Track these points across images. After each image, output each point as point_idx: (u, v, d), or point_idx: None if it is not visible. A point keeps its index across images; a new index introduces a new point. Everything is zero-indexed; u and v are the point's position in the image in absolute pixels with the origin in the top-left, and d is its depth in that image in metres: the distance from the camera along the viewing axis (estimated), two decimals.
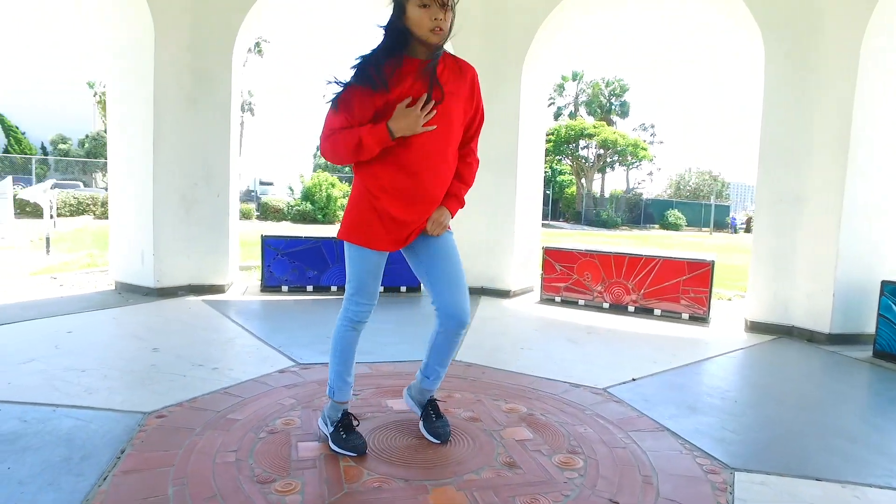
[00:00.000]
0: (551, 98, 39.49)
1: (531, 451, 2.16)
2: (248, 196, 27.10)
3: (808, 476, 2.07)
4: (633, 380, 3.12)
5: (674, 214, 33.47)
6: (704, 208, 35.76)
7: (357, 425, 2.12)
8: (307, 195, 21.83)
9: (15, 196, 11.75)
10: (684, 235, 26.41)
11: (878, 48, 4.03)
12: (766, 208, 4.51)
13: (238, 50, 5.11)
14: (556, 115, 39.41)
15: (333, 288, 5.39)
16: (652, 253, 5.20)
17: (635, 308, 5.04)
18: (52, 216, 8.77)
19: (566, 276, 5.35)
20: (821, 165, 4.24)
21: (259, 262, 5.45)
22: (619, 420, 2.52)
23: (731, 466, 2.11)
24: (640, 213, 35.64)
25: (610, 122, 37.91)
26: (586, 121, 36.05)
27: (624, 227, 31.68)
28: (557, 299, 5.38)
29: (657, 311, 4.95)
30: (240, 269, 6.16)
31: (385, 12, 1.93)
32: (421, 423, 2.25)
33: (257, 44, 30.41)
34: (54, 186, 9.77)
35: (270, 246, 5.31)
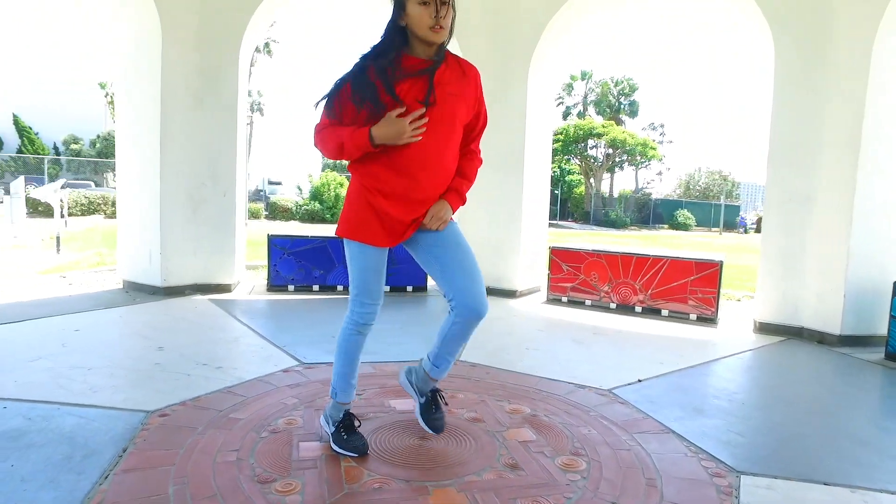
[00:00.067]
0: (560, 97, 39.38)
1: (534, 452, 2.14)
2: (256, 196, 27.23)
3: (816, 480, 2.04)
4: (639, 381, 3.09)
5: (683, 214, 33.24)
6: (714, 208, 35.47)
7: (359, 426, 2.11)
8: (316, 195, 21.90)
9: (27, 196, 11.89)
10: (694, 235, 26.21)
11: (893, 46, 3.96)
12: (775, 207, 4.46)
13: (245, 49, 5.12)
14: (565, 115, 39.26)
15: (339, 287, 5.39)
16: (660, 253, 5.15)
17: (642, 308, 5.00)
18: (62, 215, 8.85)
19: (573, 277, 5.32)
20: (831, 164, 4.18)
21: (266, 262, 5.47)
22: (624, 422, 2.49)
23: (737, 470, 2.08)
24: (650, 213, 35.42)
25: (619, 122, 37.70)
26: (595, 120, 35.89)
27: (633, 228, 31.50)
28: (564, 299, 5.35)
29: (665, 312, 4.90)
30: (247, 269, 6.18)
31: (388, 11, 1.92)
32: (419, 411, 2.17)
33: (266, 44, 30.56)
34: (65, 186, 9.86)
35: (277, 245, 5.32)
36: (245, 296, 5.03)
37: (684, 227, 32.08)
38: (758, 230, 28.53)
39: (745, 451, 2.26)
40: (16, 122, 30.27)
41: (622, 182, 43.05)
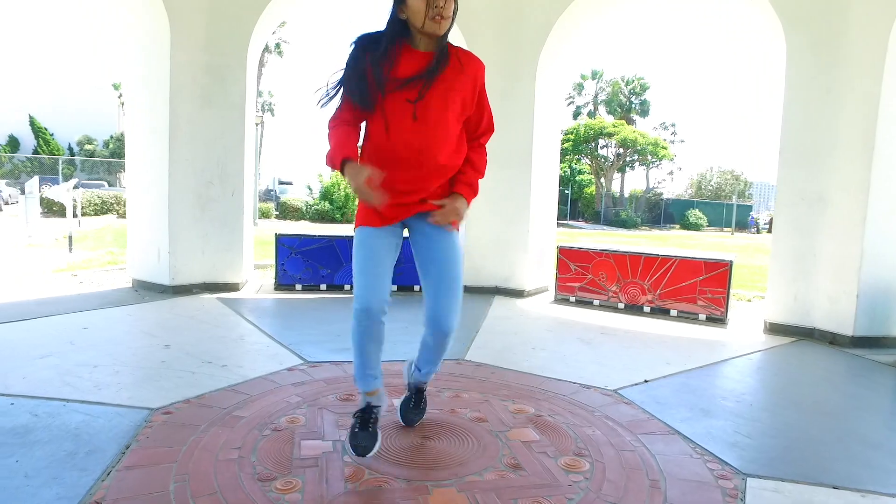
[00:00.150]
0: (570, 97, 39.18)
1: (537, 452, 2.12)
2: (267, 195, 27.36)
3: (824, 483, 2.00)
4: (646, 381, 3.06)
5: (695, 214, 32.95)
6: (726, 208, 35.13)
7: (373, 423, 2.01)
8: (326, 194, 21.97)
9: (41, 196, 12.05)
10: (705, 235, 25.97)
11: None
12: (786, 207, 4.39)
13: (253, 49, 5.15)
14: (576, 115, 39.07)
15: (346, 286, 5.39)
16: (668, 252, 5.09)
17: (651, 308, 4.95)
18: (75, 215, 8.96)
19: (581, 276, 5.28)
20: (844, 163, 4.11)
21: (273, 261, 5.49)
22: (629, 422, 2.46)
23: (744, 472, 2.04)
24: (661, 212, 35.16)
25: (630, 121, 37.46)
26: (606, 120, 35.67)
27: (644, 227, 31.28)
28: (572, 299, 5.32)
29: (673, 312, 4.85)
30: (256, 268, 6.21)
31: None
32: (401, 402, 2.33)
33: (277, 45, 30.71)
34: (77, 186, 9.97)
35: (284, 244, 5.33)
36: (252, 294, 5.05)
37: (696, 227, 31.79)
38: (770, 230, 28.20)
39: (752, 454, 2.22)
40: (32, 123, 30.73)
41: (633, 182, 42.82)
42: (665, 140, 35.92)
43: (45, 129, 30.91)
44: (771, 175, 4.45)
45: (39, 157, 28.51)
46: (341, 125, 1.89)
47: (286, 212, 21.88)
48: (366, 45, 1.85)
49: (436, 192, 1.95)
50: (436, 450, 2.11)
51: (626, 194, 37.31)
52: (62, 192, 9.40)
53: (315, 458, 2.00)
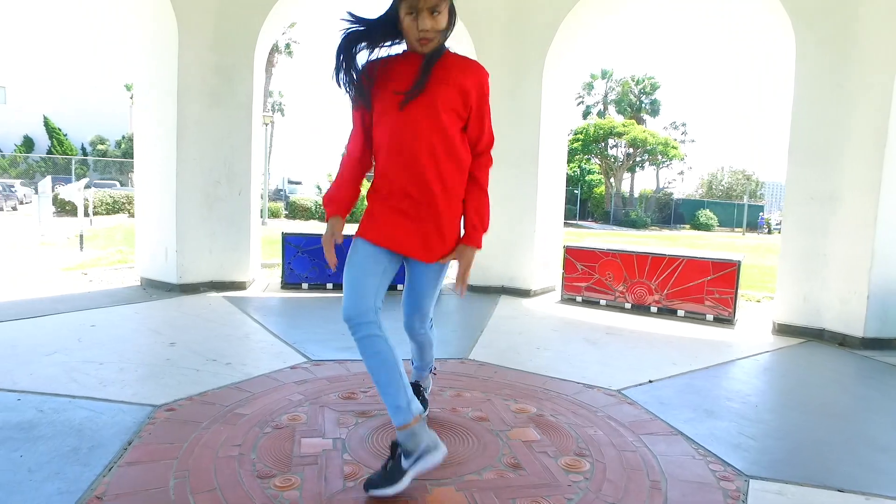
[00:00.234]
0: (580, 96, 39.05)
1: (537, 452, 2.11)
2: (276, 195, 27.53)
3: (829, 486, 1.97)
4: (650, 382, 3.03)
5: (705, 214, 32.69)
6: (737, 208, 34.83)
7: (393, 463, 1.76)
8: None
9: (54, 195, 12.20)
10: (716, 236, 25.76)
11: None
12: (796, 207, 4.34)
13: (260, 49, 5.17)
14: (585, 114, 38.93)
15: None
16: (676, 252, 5.05)
17: (658, 309, 4.92)
18: (86, 214, 9.06)
19: (588, 276, 5.26)
20: (856, 162, 4.05)
21: (280, 260, 5.51)
22: (632, 423, 2.44)
23: (746, 474, 2.02)
24: (671, 213, 34.92)
25: (640, 121, 37.25)
26: (615, 119, 35.49)
27: (654, 228, 31.10)
28: (578, 299, 5.29)
29: (680, 312, 4.81)
30: (263, 267, 6.25)
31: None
32: None
33: (287, 45, 30.89)
34: (88, 185, 10.09)
35: (291, 243, 5.36)
36: (259, 293, 5.07)
37: (706, 227, 31.55)
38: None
39: (756, 455, 2.20)
40: (46, 123, 31.13)
41: (643, 182, 42.57)
42: (675, 140, 35.71)
43: (59, 130, 31.30)
44: (783, 175, 4.40)
45: (53, 158, 28.88)
46: (347, 161, 1.94)
47: (295, 211, 22.00)
48: (354, 39, 1.83)
49: (441, 213, 1.85)
50: None
51: (636, 194, 37.09)
52: (73, 191, 9.51)
53: (315, 456, 2.01)
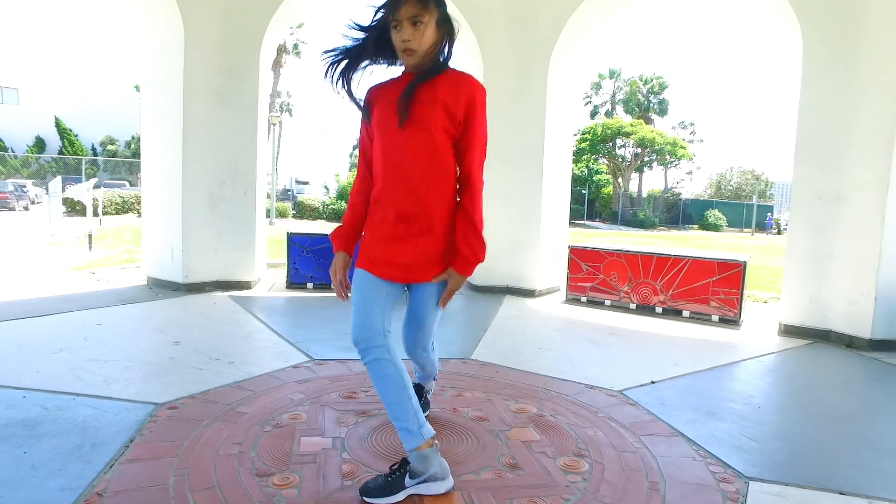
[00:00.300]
0: (587, 96, 38.90)
1: (536, 452, 2.11)
2: (284, 195, 27.65)
3: (830, 489, 1.95)
4: (652, 382, 3.02)
5: (714, 215, 32.47)
6: (746, 208, 34.56)
7: (391, 477, 1.77)
8: (342, 194, 22.16)
9: (64, 196, 12.32)
10: (724, 236, 25.58)
11: None
12: (802, 206, 4.30)
13: (265, 50, 5.20)
14: (593, 114, 38.78)
15: None
16: (681, 253, 5.03)
17: (663, 309, 4.89)
18: (95, 214, 9.14)
19: (592, 276, 5.24)
20: (864, 160, 4.00)
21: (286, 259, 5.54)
22: (632, 424, 2.43)
23: (746, 476, 2.00)
24: (679, 213, 34.70)
25: (648, 121, 37.03)
26: (623, 119, 35.33)
27: (662, 228, 30.92)
28: (583, 299, 5.27)
29: (686, 313, 4.78)
30: (269, 266, 6.28)
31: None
32: None
33: (295, 45, 31.02)
34: (97, 186, 10.19)
35: (296, 243, 5.38)
36: (264, 293, 5.10)
37: (715, 227, 31.34)
38: None
39: (757, 457, 2.18)
40: (57, 124, 31.43)
41: (651, 182, 42.40)
42: (684, 139, 35.49)
43: (70, 130, 31.59)
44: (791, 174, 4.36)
45: (64, 158, 29.16)
46: (352, 196, 1.96)
47: (303, 211, 22.10)
48: (345, 71, 1.85)
49: (435, 233, 1.81)
50: None
51: (644, 194, 36.90)
52: (82, 191, 9.60)
53: (314, 455, 2.02)
